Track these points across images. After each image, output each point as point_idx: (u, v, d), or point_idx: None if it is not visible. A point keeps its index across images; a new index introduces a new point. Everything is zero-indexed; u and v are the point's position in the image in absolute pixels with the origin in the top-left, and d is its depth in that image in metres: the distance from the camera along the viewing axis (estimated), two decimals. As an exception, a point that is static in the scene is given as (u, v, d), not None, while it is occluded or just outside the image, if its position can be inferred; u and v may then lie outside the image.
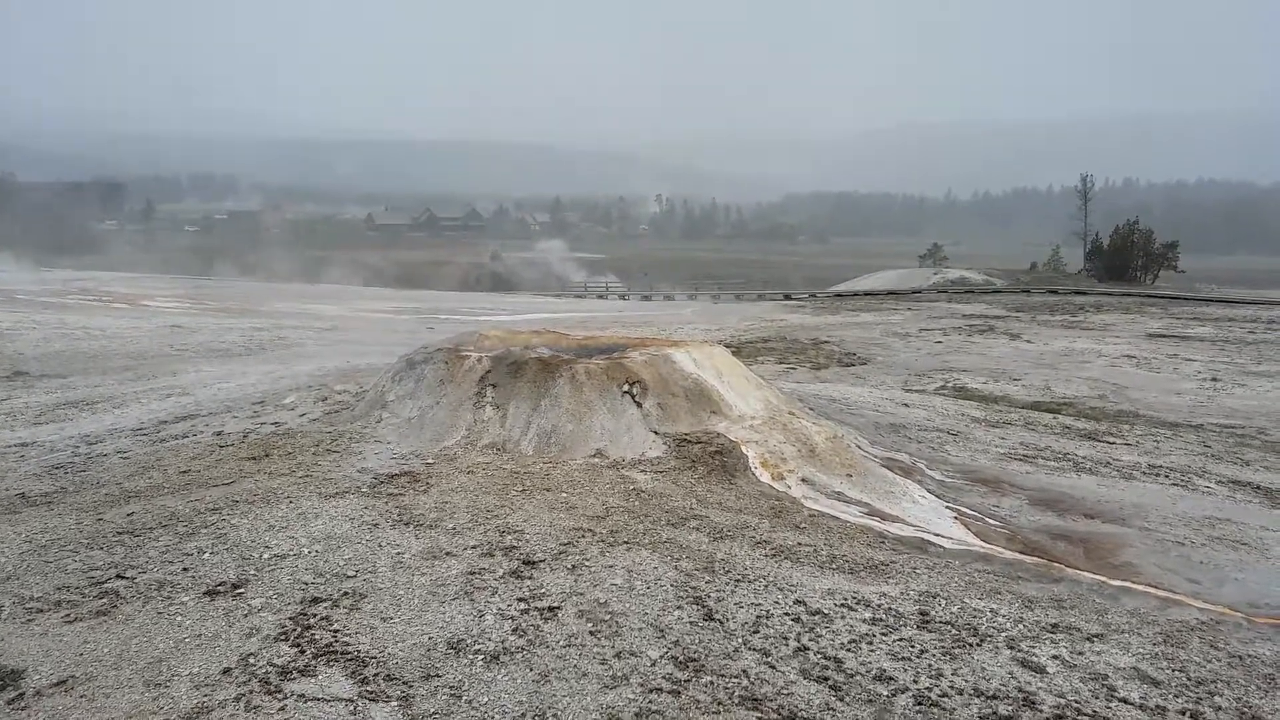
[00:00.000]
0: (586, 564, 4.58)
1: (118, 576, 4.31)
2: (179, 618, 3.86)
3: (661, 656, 3.64)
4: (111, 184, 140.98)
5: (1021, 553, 5.39)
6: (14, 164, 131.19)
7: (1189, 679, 3.71)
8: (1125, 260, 49.81)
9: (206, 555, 4.57)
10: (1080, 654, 3.87)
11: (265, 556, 4.56)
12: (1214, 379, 14.53)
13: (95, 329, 16.54)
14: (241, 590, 4.16)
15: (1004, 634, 4.02)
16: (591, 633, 3.82)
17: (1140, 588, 4.87)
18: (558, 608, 4.05)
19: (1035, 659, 3.79)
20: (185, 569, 4.40)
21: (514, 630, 3.81)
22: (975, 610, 4.28)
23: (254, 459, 6.44)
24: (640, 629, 3.87)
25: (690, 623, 3.96)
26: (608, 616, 3.97)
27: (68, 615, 3.89)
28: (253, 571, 4.37)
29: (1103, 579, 4.95)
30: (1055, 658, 3.82)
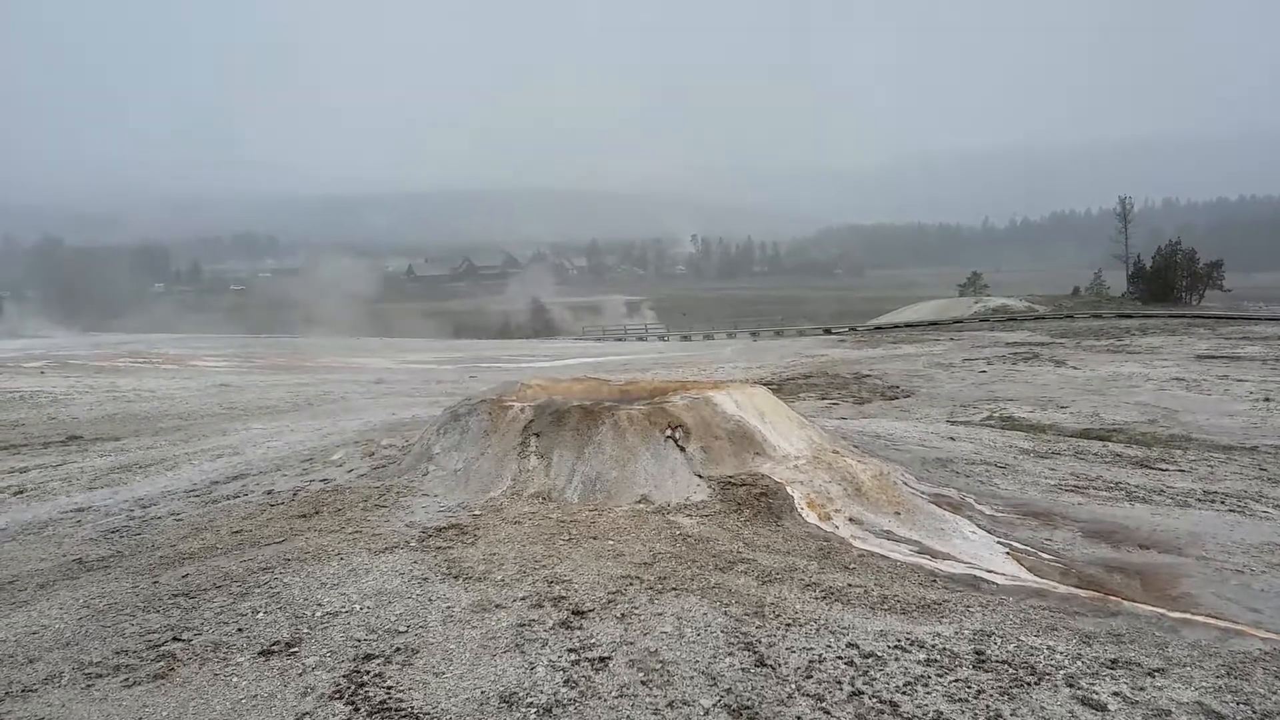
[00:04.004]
0: (635, 612, 4.57)
1: (174, 639, 4.37)
2: (235, 679, 3.91)
3: (714, 705, 3.61)
4: (156, 247, 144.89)
5: (1077, 587, 5.29)
6: (59, 229, 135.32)
7: (1255, 712, 3.61)
8: (1169, 281, 49.27)
9: (260, 615, 4.63)
10: (1142, 690, 3.79)
11: (318, 614, 4.60)
12: (1267, 399, 14.23)
13: (146, 391, 16.90)
14: (295, 649, 4.20)
15: (1062, 671, 3.95)
16: (643, 682, 3.80)
17: (1200, 619, 4.75)
18: (608, 658, 4.04)
19: (1096, 696, 3.71)
20: (240, 629, 4.45)
21: (565, 682, 3.80)
22: (1032, 648, 4.21)
23: (304, 516, 6.53)
24: (692, 677, 3.85)
25: (742, 669, 3.93)
26: (659, 665, 3.96)
27: (126, 680, 3.95)
28: (306, 630, 4.42)
29: (1161, 611, 4.85)
30: (1116, 694, 3.73)
